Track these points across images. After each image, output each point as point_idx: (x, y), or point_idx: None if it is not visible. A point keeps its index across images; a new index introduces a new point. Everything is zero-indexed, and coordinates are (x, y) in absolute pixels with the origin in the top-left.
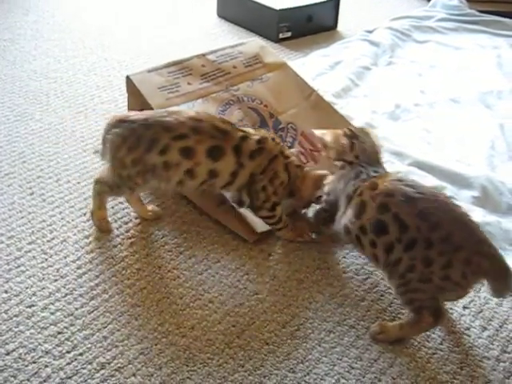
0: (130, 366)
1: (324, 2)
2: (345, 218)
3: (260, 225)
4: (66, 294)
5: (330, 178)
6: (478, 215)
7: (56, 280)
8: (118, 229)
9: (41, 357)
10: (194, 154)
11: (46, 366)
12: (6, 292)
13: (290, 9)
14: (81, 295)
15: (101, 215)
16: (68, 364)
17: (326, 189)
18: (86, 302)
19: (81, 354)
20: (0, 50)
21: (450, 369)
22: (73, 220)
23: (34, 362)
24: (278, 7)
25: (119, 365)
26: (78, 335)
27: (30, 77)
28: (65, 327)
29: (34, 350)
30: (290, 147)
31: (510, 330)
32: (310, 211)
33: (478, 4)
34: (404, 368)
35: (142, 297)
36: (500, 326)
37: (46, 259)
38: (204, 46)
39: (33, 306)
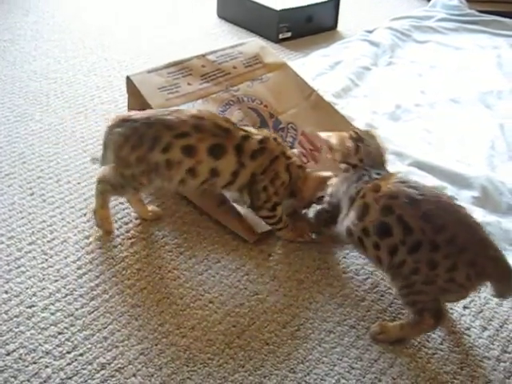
0: (131, 366)
1: (324, 2)
2: (347, 219)
3: (260, 225)
4: (67, 295)
5: (333, 181)
6: (478, 215)
7: (56, 280)
8: (118, 229)
9: (41, 357)
10: (196, 152)
11: (47, 367)
12: (6, 292)
13: (290, 9)
14: (81, 296)
15: (103, 214)
16: (68, 364)
17: (329, 191)
18: (87, 302)
19: (81, 355)
20: (0, 50)
21: (450, 369)
22: (73, 220)
23: (35, 363)
24: (278, 7)
25: (119, 365)
26: (78, 336)
27: (30, 77)
28: (65, 328)
29: (34, 350)
30: (290, 147)
31: (510, 330)
32: (311, 211)
33: (477, 4)
34: (404, 368)
35: (142, 297)
36: (500, 326)
37: (47, 260)
38: (204, 46)
39: (33, 306)
